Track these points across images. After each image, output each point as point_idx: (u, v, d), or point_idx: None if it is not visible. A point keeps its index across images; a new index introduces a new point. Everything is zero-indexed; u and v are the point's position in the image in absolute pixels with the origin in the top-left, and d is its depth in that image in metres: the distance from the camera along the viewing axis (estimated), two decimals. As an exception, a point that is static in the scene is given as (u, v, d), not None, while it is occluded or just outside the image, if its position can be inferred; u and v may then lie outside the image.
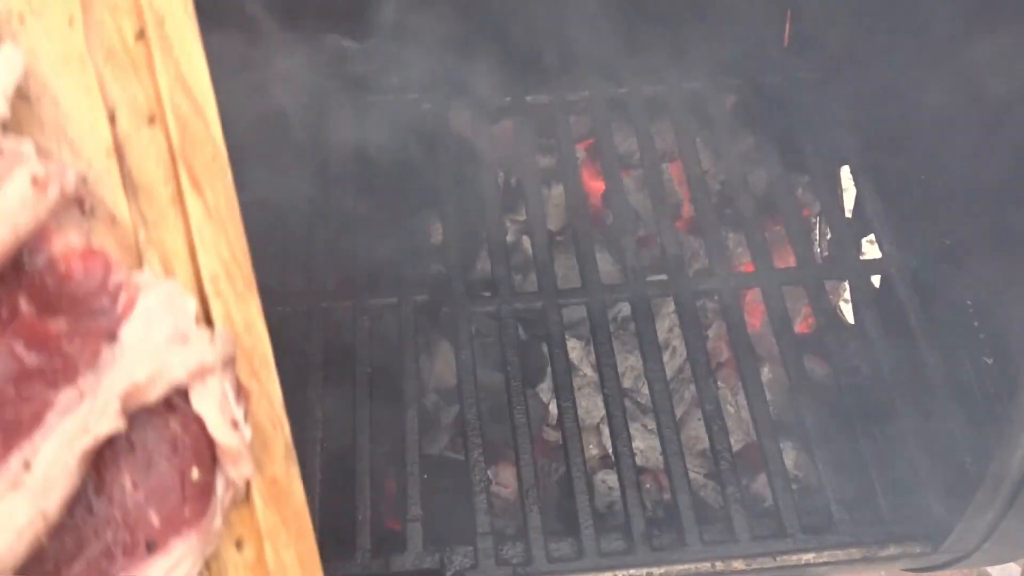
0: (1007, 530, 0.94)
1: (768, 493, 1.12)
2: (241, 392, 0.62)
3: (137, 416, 0.59)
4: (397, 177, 1.32)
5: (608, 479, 1.26)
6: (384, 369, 1.16)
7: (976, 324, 1.15)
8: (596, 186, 1.51)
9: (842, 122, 1.38)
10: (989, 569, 1.48)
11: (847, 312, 1.46)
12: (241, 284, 0.68)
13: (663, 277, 1.26)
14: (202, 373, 0.60)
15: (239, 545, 0.63)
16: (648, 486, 1.26)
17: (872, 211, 1.30)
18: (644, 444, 1.31)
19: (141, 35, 0.70)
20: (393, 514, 1.18)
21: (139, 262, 0.65)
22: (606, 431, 1.24)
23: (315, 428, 1.06)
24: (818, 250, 1.54)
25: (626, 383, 1.35)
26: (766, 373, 1.37)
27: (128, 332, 0.59)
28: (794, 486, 1.13)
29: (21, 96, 0.65)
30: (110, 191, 0.66)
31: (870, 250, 1.39)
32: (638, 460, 1.27)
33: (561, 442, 1.12)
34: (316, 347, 1.16)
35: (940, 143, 1.25)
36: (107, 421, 0.56)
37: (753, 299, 1.43)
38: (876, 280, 1.30)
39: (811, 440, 1.11)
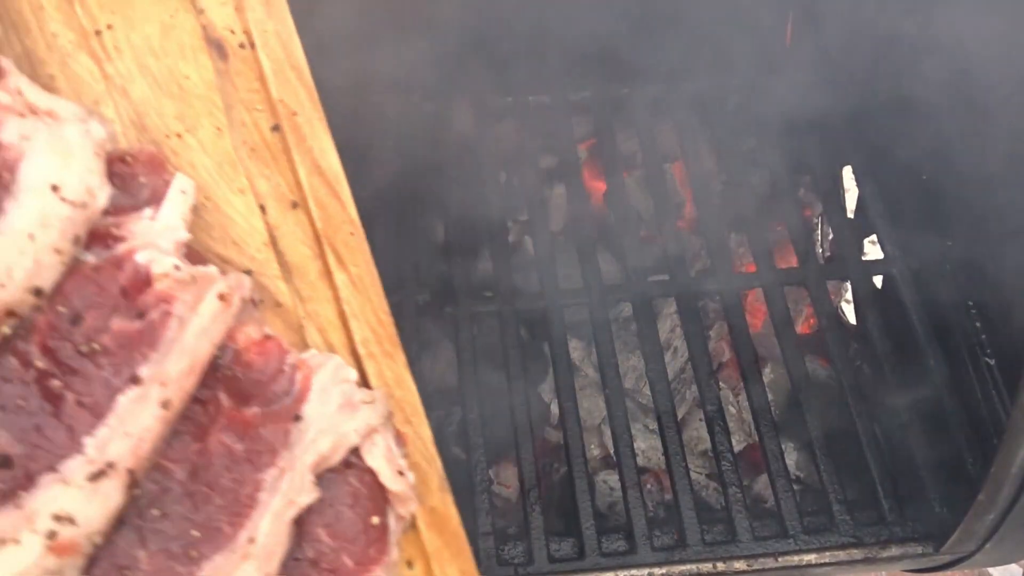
0: (1008, 531, 0.94)
1: (770, 494, 1.12)
2: (400, 439, 0.74)
3: (322, 476, 0.69)
4: (399, 177, 1.32)
5: (609, 479, 1.26)
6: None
7: (978, 325, 1.15)
8: (598, 186, 1.51)
9: (844, 122, 1.38)
10: (990, 570, 1.48)
11: (849, 312, 1.46)
12: (388, 343, 0.79)
13: (665, 277, 1.26)
14: (370, 433, 0.71)
15: (410, 565, 0.74)
16: (649, 486, 1.26)
17: (874, 211, 1.30)
18: (645, 444, 1.31)
19: (276, 128, 0.79)
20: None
21: (301, 336, 0.75)
22: (607, 431, 1.25)
23: (317, 428, 1.06)
24: (820, 250, 1.54)
25: (627, 383, 1.35)
26: (768, 373, 1.37)
27: (309, 410, 0.69)
28: (796, 487, 1.13)
29: (190, 207, 0.73)
30: (271, 279, 0.75)
31: (872, 251, 1.39)
32: (639, 460, 1.27)
33: (562, 442, 1.12)
34: (318, 347, 1.16)
35: (942, 144, 1.25)
36: (307, 494, 0.67)
37: (755, 299, 1.43)
38: (878, 280, 1.30)
39: (812, 441, 1.11)
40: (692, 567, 1.03)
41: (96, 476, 0.61)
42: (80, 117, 0.68)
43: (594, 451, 1.31)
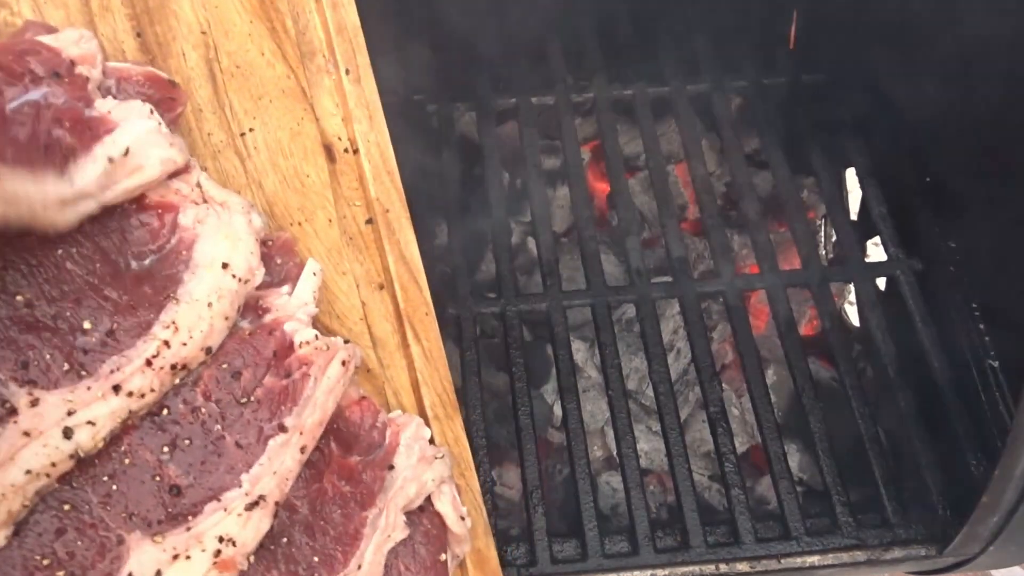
0: (1012, 534, 0.94)
1: (772, 495, 1.12)
2: (457, 489, 0.87)
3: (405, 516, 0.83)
4: (401, 178, 1.33)
5: (612, 481, 1.26)
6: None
7: (981, 327, 1.15)
8: (601, 187, 1.51)
9: (847, 124, 1.38)
10: (994, 573, 1.48)
11: (852, 314, 1.46)
12: (450, 408, 0.92)
13: (668, 279, 1.26)
14: (441, 483, 0.86)
15: None
16: (652, 488, 1.26)
17: (877, 213, 1.30)
18: (648, 446, 1.31)
19: (370, 222, 0.93)
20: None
21: (384, 398, 0.89)
22: (610, 433, 1.24)
23: (320, 428, 1.06)
24: (823, 252, 1.54)
25: (630, 385, 1.35)
26: (771, 375, 1.37)
27: (398, 461, 0.83)
28: (799, 488, 1.13)
29: (319, 287, 0.86)
30: (364, 348, 0.89)
31: (875, 252, 1.39)
32: (642, 462, 1.27)
33: (565, 443, 1.12)
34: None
35: (945, 145, 1.25)
36: (400, 531, 0.82)
37: (758, 301, 1.43)
38: (881, 283, 1.30)
39: (816, 442, 1.11)
40: (695, 569, 1.03)
41: (251, 506, 0.72)
42: (245, 209, 0.81)
43: (597, 452, 1.31)
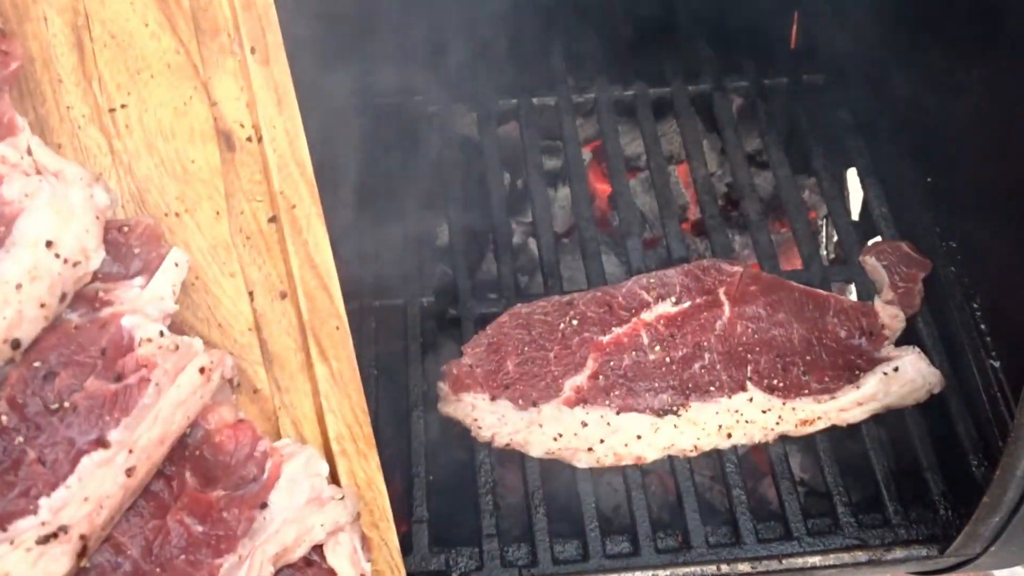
0: (1014, 534, 0.94)
1: (774, 496, 1.12)
2: (366, 543, 0.72)
3: (280, 572, 0.67)
4: (403, 179, 1.33)
5: (614, 481, 1.26)
6: (390, 370, 1.16)
7: (983, 327, 1.15)
8: (602, 188, 1.51)
9: (849, 125, 1.38)
10: (995, 573, 1.48)
11: (853, 315, 1.45)
12: (362, 443, 0.78)
13: (669, 279, 1.25)
14: (336, 531, 0.68)
15: None
16: (654, 488, 1.26)
17: (878, 213, 1.30)
18: (650, 446, 1.31)
19: (273, 220, 0.82)
20: (399, 515, 1.18)
21: (275, 426, 0.75)
22: (612, 433, 1.24)
23: (321, 429, 1.06)
24: (824, 252, 1.54)
25: (632, 385, 1.35)
26: (772, 375, 1.37)
27: (276, 498, 0.67)
28: (800, 489, 1.12)
29: (181, 281, 0.75)
30: (251, 364, 0.76)
31: (876, 253, 1.39)
32: (644, 462, 1.27)
33: (567, 444, 1.12)
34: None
35: (946, 146, 1.25)
36: None
37: (759, 301, 1.42)
38: (882, 283, 1.30)
39: (817, 443, 1.11)
40: (696, 569, 1.03)
41: (46, 539, 0.59)
42: (87, 182, 0.70)
43: (598, 453, 1.31)
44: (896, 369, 1.10)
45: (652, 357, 1.11)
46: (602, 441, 1.06)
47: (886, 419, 1.14)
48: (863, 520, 1.07)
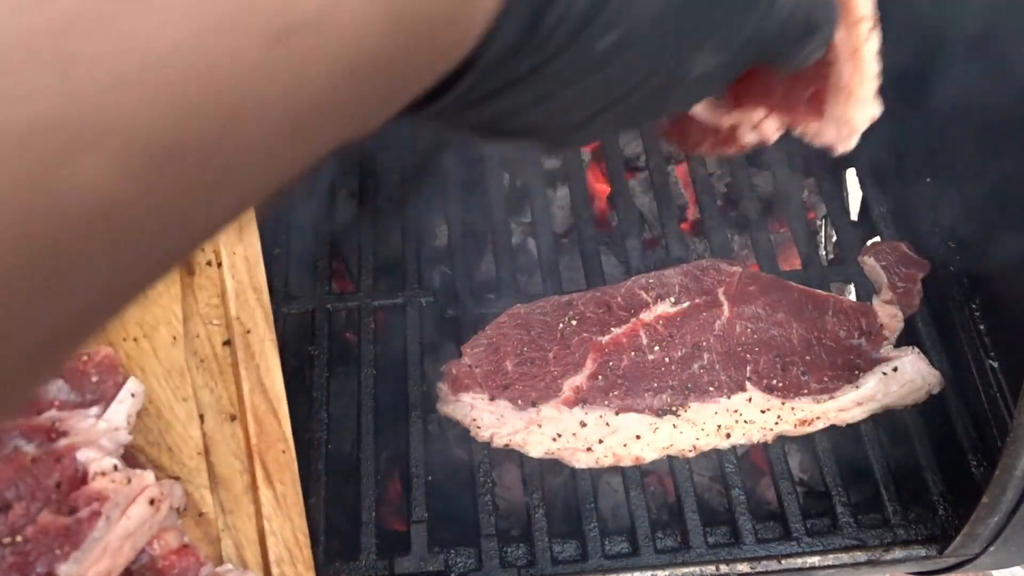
0: (1013, 534, 0.94)
1: (773, 496, 1.12)
2: None
3: None
4: (402, 179, 1.33)
5: (613, 481, 1.26)
6: (389, 371, 1.16)
7: (981, 327, 1.15)
8: (602, 188, 1.51)
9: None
10: (994, 573, 1.48)
11: (852, 315, 1.45)
12: (302, 565, 0.78)
13: (668, 279, 1.25)
14: None
15: None
16: (653, 488, 1.26)
17: (877, 214, 1.30)
18: (649, 446, 1.31)
19: (228, 343, 0.83)
20: (398, 516, 1.18)
21: (218, 549, 0.75)
22: (611, 433, 1.24)
23: (320, 429, 1.06)
24: (823, 252, 1.54)
25: (631, 385, 1.35)
26: (771, 376, 1.36)
27: None
28: (799, 489, 1.12)
29: (137, 411, 0.75)
30: (198, 488, 0.76)
31: (876, 253, 1.38)
32: (643, 462, 1.27)
33: (566, 444, 1.12)
34: (321, 348, 1.16)
35: (946, 145, 1.25)
36: None
37: (758, 301, 1.42)
38: (882, 283, 1.30)
39: (816, 443, 1.11)
40: (695, 569, 1.03)
41: None
42: None
43: (597, 453, 1.31)
44: (895, 369, 1.10)
45: (651, 357, 1.11)
46: (601, 441, 1.06)
47: (885, 419, 1.14)
48: (862, 520, 1.07)
